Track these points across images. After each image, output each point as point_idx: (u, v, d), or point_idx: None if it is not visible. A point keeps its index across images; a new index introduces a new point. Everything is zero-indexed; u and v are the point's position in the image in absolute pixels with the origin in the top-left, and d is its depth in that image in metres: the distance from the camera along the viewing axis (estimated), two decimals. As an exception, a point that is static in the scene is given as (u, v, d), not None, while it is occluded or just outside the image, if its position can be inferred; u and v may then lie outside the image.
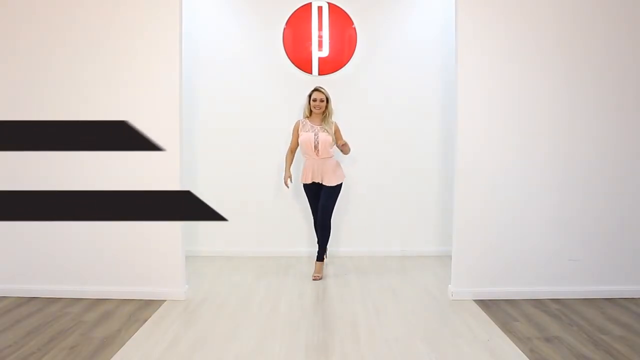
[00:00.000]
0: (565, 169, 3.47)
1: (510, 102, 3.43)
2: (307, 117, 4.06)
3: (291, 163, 4.11)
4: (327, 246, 4.15)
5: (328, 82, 4.42)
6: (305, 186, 4.11)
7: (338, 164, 4.06)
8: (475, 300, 3.42)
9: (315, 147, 3.96)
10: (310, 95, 4.03)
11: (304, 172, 4.05)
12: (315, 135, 3.97)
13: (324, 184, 3.98)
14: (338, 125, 4.09)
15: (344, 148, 3.97)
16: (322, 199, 4.00)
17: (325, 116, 4.02)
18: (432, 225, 4.72)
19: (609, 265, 3.51)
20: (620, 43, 3.43)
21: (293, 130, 4.09)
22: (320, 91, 4.01)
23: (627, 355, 2.61)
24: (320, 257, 4.07)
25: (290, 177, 4.08)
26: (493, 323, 3.05)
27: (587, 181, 3.47)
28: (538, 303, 3.38)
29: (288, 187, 4.13)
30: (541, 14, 3.41)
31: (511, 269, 3.48)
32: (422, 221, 4.72)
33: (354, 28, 4.62)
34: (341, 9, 4.60)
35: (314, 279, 3.93)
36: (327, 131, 3.98)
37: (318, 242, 4.11)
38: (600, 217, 3.49)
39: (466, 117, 3.41)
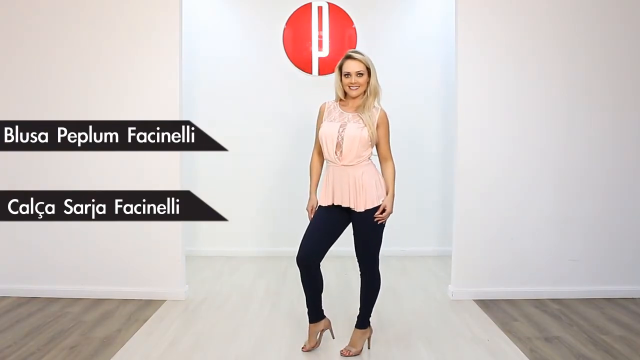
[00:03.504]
0: (565, 169, 3.47)
1: (510, 102, 3.44)
2: (341, 99, 2.59)
3: (319, 176, 2.67)
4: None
5: (328, 83, 4.38)
6: (321, 208, 2.62)
7: (378, 174, 2.60)
8: (475, 300, 3.42)
9: (338, 146, 2.50)
10: (340, 67, 2.52)
11: (322, 186, 2.59)
12: (341, 127, 2.51)
13: (356, 209, 2.50)
14: (387, 115, 2.56)
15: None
16: (362, 235, 2.55)
17: (365, 99, 2.52)
18: (432, 225, 4.72)
19: (609, 265, 3.51)
20: (619, 44, 3.43)
21: (317, 118, 2.62)
22: (355, 59, 2.47)
23: (627, 355, 2.61)
24: (367, 320, 2.67)
25: (316, 203, 2.63)
26: (493, 323, 3.05)
27: (586, 181, 3.47)
28: (538, 303, 3.38)
29: (310, 219, 2.65)
30: (540, 14, 3.41)
31: (511, 269, 3.48)
32: (422, 221, 4.72)
33: (354, 28, 4.61)
34: (341, 9, 4.59)
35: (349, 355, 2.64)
36: (364, 122, 2.48)
37: (361, 304, 2.66)
38: (600, 217, 3.49)
39: (466, 117, 3.41)
